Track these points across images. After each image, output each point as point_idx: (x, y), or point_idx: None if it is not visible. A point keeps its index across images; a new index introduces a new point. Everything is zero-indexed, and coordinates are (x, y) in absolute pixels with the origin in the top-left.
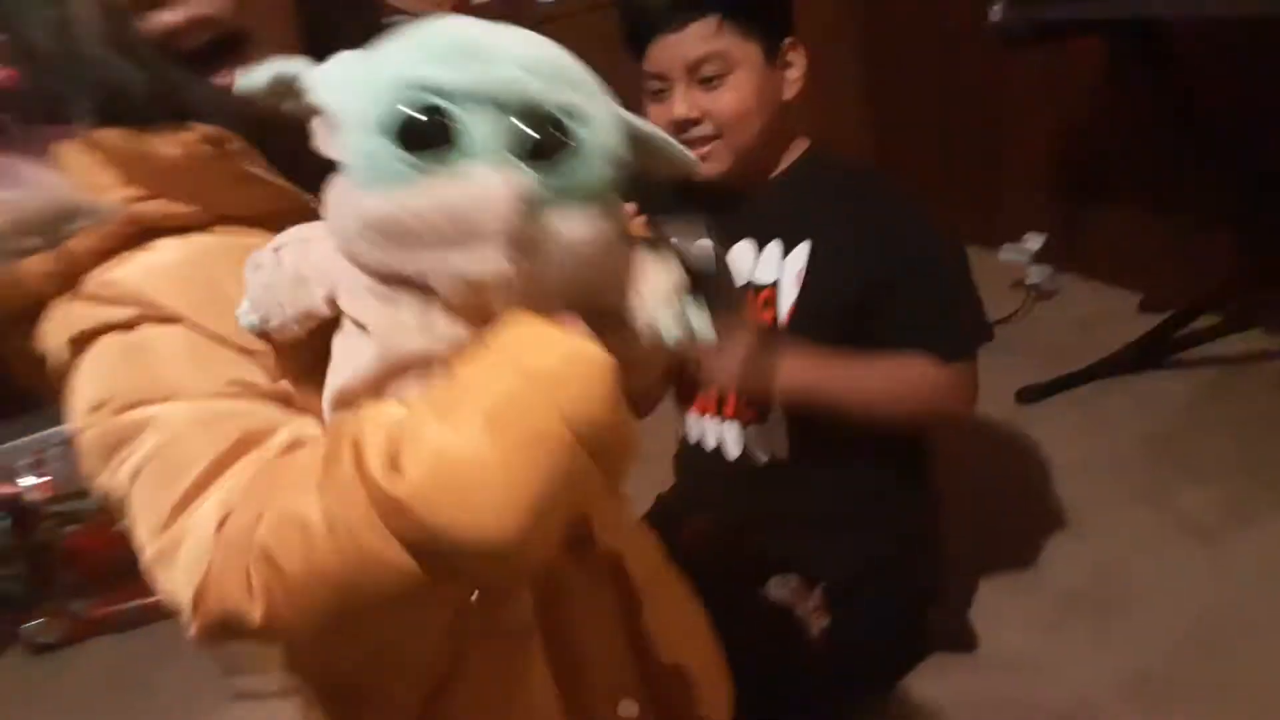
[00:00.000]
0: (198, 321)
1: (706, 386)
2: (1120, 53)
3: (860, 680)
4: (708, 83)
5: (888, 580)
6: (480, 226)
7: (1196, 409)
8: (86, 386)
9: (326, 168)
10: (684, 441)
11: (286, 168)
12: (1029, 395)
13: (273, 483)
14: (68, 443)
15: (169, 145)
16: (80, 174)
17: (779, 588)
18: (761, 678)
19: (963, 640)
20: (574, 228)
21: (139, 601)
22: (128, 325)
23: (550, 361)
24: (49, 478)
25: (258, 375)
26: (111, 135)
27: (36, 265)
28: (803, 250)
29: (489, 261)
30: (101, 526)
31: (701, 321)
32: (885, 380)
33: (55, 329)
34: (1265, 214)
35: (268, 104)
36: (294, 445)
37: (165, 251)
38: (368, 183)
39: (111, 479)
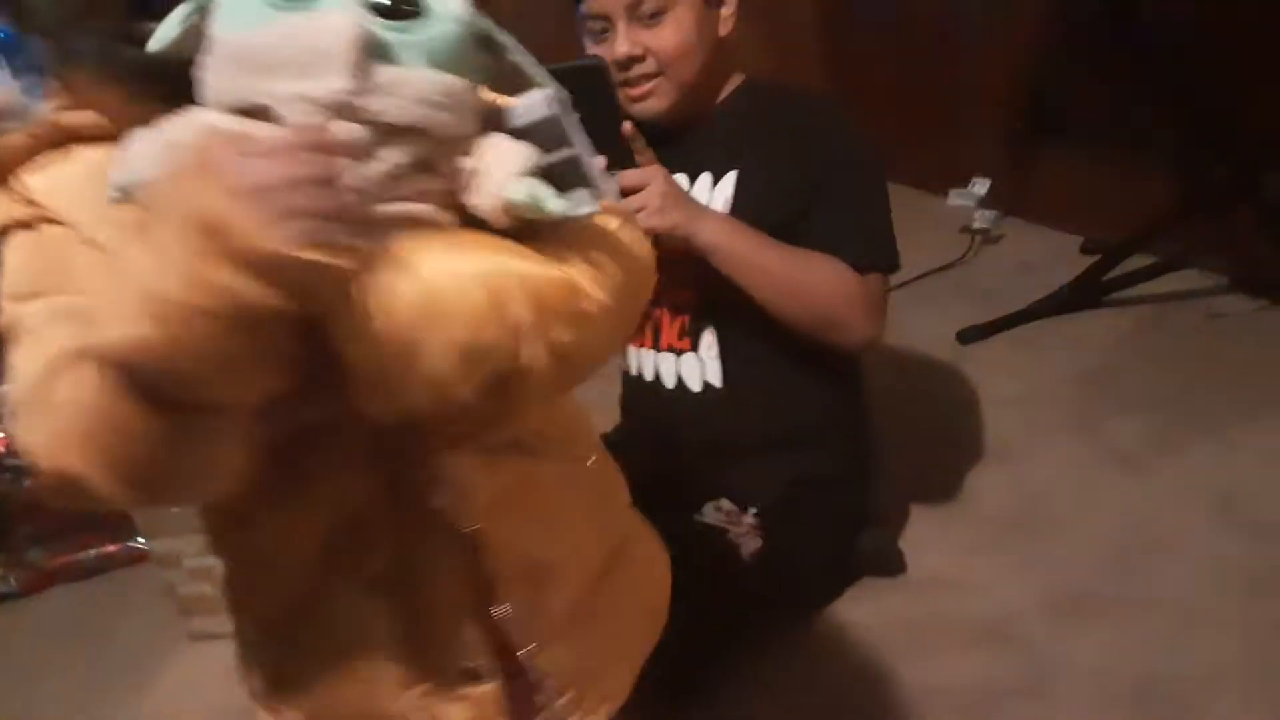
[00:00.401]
0: (87, 234)
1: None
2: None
3: (792, 601)
4: (647, 20)
5: (818, 504)
6: (323, 55)
7: (1128, 345)
8: (4, 272)
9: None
10: (626, 375)
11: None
12: (969, 335)
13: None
14: None
15: None
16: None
17: (713, 512)
18: (697, 599)
19: (893, 564)
20: (414, 78)
21: (96, 550)
22: (31, 224)
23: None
24: (2, 434)
25: None
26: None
27: (13, 153)
28: (730, 179)
29: (329, 86)
30: None
31: (550, 194)
32: (798, 268)
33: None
34: (1200, 155)
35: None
36: None
37: (76, 162)
38: (233, 25)
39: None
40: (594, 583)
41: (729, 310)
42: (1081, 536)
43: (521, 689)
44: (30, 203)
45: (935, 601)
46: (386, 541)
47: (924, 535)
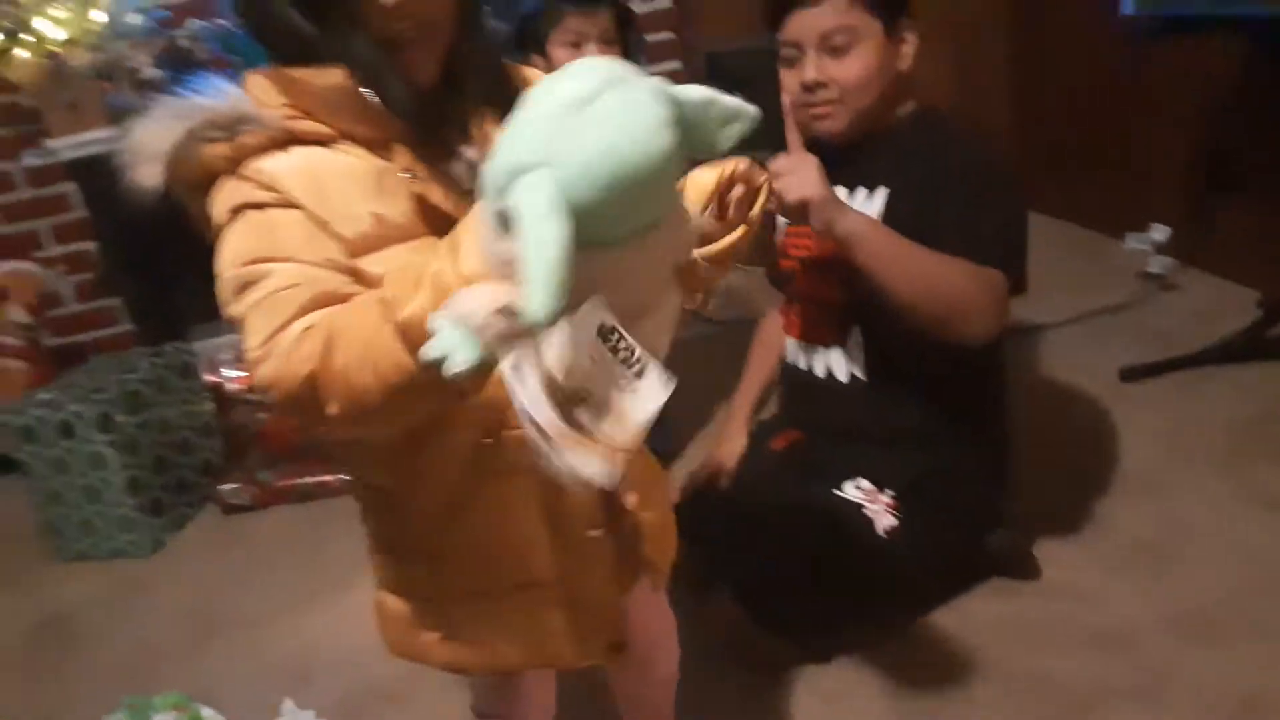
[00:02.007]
0: (312, 210)
1: (785, 210)
2: (1255, 50)
3: (920, 584)
4: (835, 52)
5: (950, 496)
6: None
7: None
8: (232, 244)
9: (428, 108)
10: (784, 363)
11: (397, 109)
12: (1132, 374)
13: (339, 320)
14: None
15: (320, 79)
16: (255, 94)
17: (852, 489)
18: (832, 561)
19: (1025, 568)
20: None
21: (315, 478)
22: (263, 206)
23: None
24: (245, 373)
25: (342, 256)
26: (281, 69)
27: (217, 150)
28: (881, 194)
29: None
30: None
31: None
32: (928, 260)
33: (222, 198)
34: None
35: None
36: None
37: (298, 156)
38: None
39: (237, 308)
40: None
41: (875, 310)
42: (1212, 566)
43: (628, 542)
44: (269, 189)
45: (1060, 607)
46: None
47: (1060, 548)
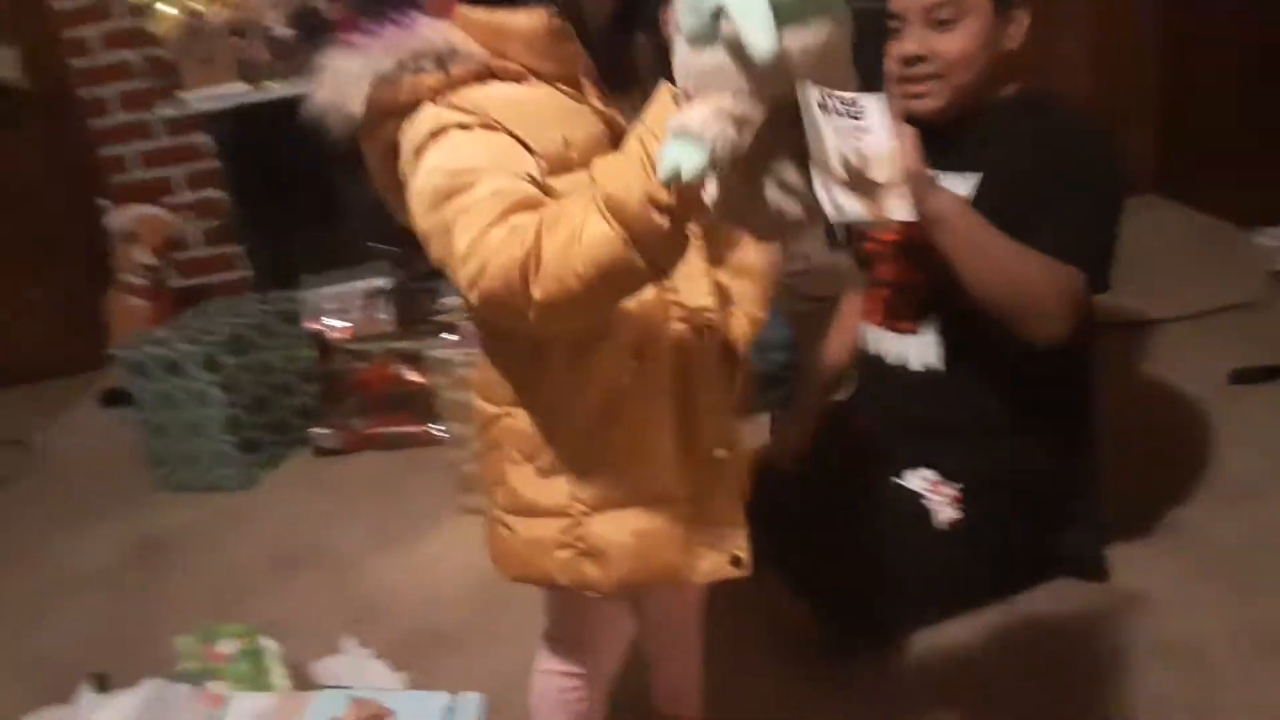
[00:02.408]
0: (512, 132)
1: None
2: None
3: (981, 578)
4: (940, 25)
5: (1019, 493)
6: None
7: None
8: (438, 157)
9: (616, 48)
10: (860, 350)
11: (589, 44)
12: (1244, 376)
13: (548, 215)
14: (367, 296)
15: (520, 19)
16: (459, 32)
17: (915, 479)
18: (888, 549)
19: (1094, 570)
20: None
21: (403, 428)
22: (469, 126)
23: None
24: (348, 324)
25: (539, 174)
26: (484, 10)
27: (428, 80)
28: (972, 179)
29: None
30: (382, 366)
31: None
32: (1011, 252)
33: (424, 120)
34: None
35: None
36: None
37: (497, 88)
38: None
39: (438, 215)
40: None
41: (955, 300)
42: None
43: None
44: (474, 113)
45: (1130, 614)
46: (668, 360)
47: (1139, 552)
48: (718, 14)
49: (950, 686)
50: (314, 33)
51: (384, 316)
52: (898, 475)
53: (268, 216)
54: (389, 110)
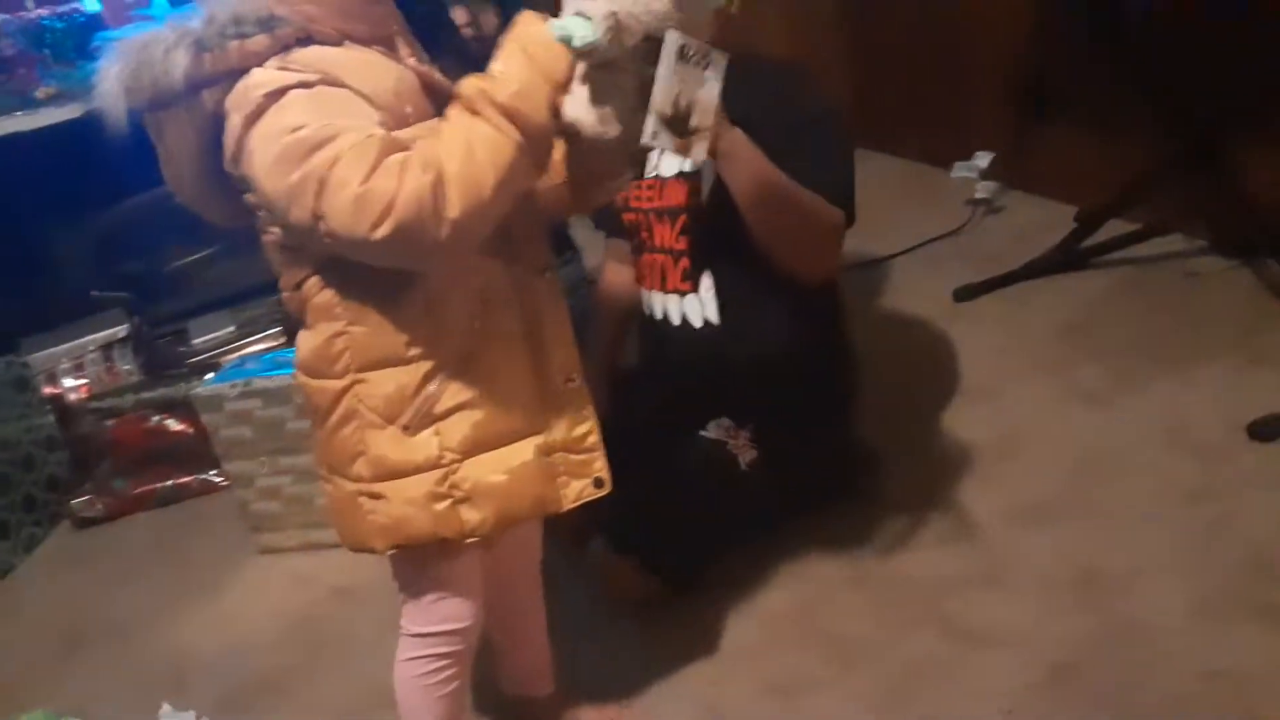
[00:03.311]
0: (355, 87)
1: None
2: None
3: (784, 507)
4: None
5: (803, 423)
6: None
7: (1109, 302)
8: (286, 117)
9: (428, 7)
10: (640, 315)
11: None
12: (963, 294)
13: (429, 143)
14: (103, 349)
15: None
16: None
17: (715, 429)
18: (704, 499)
19: (876, 484)
20: None
21: (173, 481)
22: (311, 84)
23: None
24: (85, 381)
25: (383, 127)
26: None
27: (258, 43)
28: None
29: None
30: (136, 420)
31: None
32: (792, 190)
33: (256, 85)
34: (1186, 125)
35: None
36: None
37: (320, 50)
38: None
39: (302, 171)
40: None
41: (723, 256)
42: (1041, 459)
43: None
44: (313, 70)
45: (910, 512)
46: (515, 301)
47: (906, 460)
48: None
49: (770, 605)
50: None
51: (127, 367)
52: (701, 428)
53: None
54: (208, 80)
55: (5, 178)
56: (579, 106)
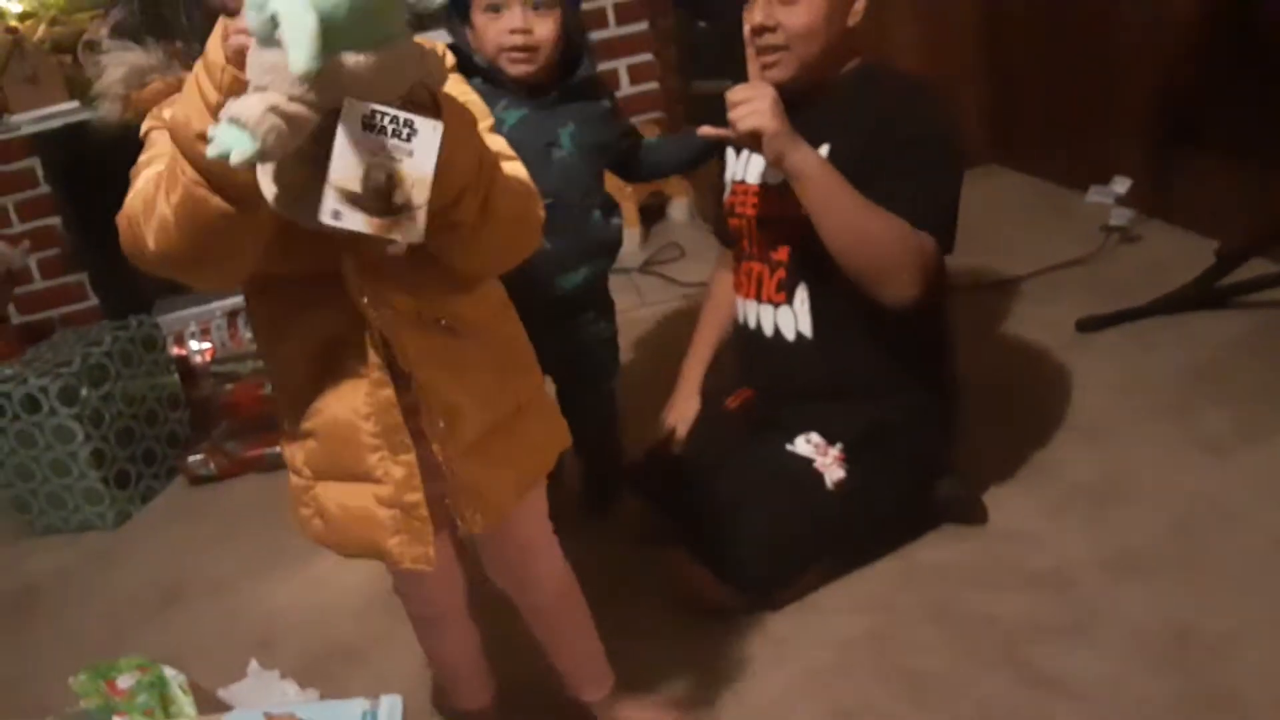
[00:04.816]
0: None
1: (736, 133)
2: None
3: (870, 533)
4: None
5: (898, 446)
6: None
7: (1243, 346)
8: (146, 149)
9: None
10: (736, 323)
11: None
12: (1088, 325)
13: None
14: (229, 315)
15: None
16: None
17: (803, 444)
18: (785, 515)
19: (973, 513)
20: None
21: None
22: (155, 129)
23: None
24: (210, 345)
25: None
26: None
27: (152, 94)
28: (824, 150)
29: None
30: (253, 386)
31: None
32: (869, 213)
33: (147, 121)
34: None
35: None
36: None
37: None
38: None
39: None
40: (497, 426)
41: (819, 269)
42: (1148, 506)
43: (430, 467)
44: (164, 124)
45: (1002, 550)
46: (367, 355)
47: (1007, 493)
48: (274, 20)
49: (848, 631)
50: (132, 41)
51: (249, 335)
52: (789, 442)
53: (111, 241)
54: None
55: (130, 142)
56: (263, 179)
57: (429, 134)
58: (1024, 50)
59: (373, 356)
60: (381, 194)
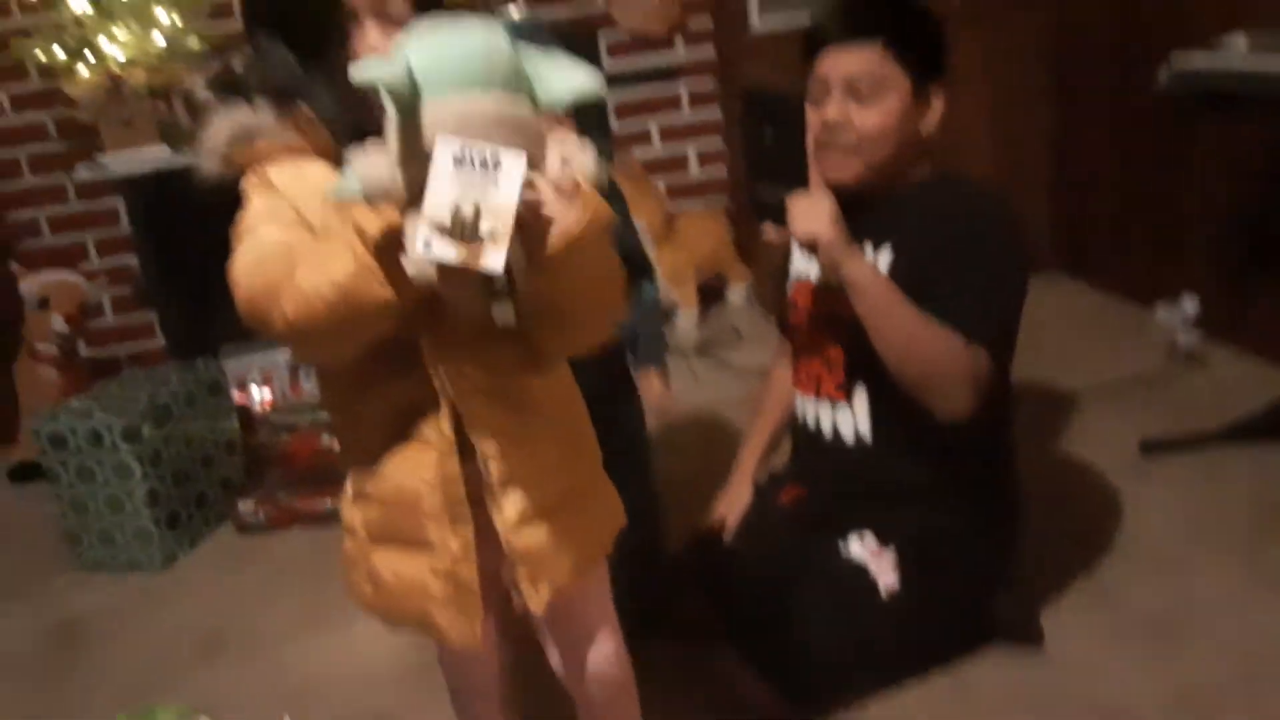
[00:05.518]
0: (297, 205)
1: (797, 237)
2: None
3: (923, 645)
4: (859, 98)
5: (953, 556)
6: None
7: None
8: (249, 208)
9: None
10: (794, 419)
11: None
12: (1152, 448)
13: (297, 249)
14: (289, 366)
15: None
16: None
17: (856, 544)
18: (837, 624)
19: (1029, 633)
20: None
21: (330, 502)
22: (261, 189)
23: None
24: (270, 394)
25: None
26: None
27: (256, 154)
28: (886, 254)
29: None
30: (309, 437)
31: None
32: (921, 326)
33: (249, 179)
34: None
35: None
36: None
37: (295, 166)
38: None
39: (237, 245)
40: (558, 502)
41: (876, 371)
42: (1219, 647)
43: (487, 541)
44: (270, 185)
45: (1061, 677)
46: (430, 426)
47: (1067, 617)
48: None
49: None
50: (233, 96)
51: (309, 386)
52: (842, 540)
53: (183, 284)
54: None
55: (224, 194)
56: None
57: (513, 165)
58: (1095, 159)
59: (445, 428)
60: (469, 226)
